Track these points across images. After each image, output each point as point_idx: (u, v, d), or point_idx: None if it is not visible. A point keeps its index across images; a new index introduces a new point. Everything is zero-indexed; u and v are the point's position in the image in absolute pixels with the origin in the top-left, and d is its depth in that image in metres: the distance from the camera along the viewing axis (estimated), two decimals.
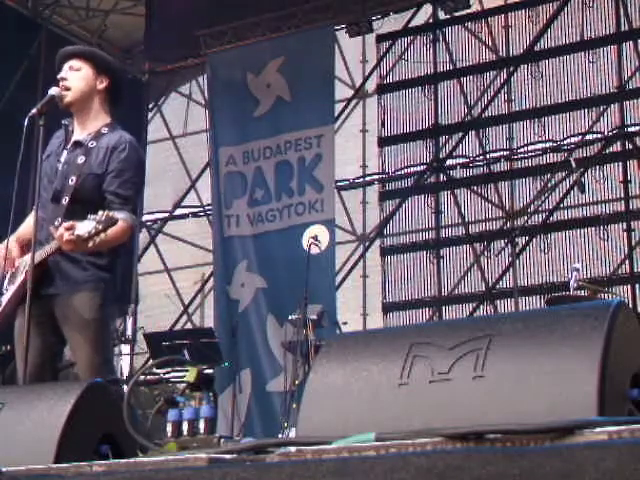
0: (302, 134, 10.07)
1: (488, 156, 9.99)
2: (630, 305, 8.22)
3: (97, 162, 4.00)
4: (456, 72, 10.19)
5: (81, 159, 4.01)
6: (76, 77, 4.05)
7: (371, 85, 11.26)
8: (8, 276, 4.05)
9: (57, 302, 3.95)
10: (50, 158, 4.08)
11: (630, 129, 9.26)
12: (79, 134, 4.10)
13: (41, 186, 4.00)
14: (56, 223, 3.85)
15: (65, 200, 3.93)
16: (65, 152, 4.07)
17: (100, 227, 3.63)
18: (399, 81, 10.39)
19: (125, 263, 4.81)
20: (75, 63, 4.08)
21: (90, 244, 3.69)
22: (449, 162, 10.17)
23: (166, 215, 12.25)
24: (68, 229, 3.66)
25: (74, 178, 3.96)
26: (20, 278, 3.93)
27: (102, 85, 4.10)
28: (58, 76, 4.05)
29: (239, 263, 10.14)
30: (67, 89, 4.02)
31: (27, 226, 4.14)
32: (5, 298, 3.98)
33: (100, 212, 3.66)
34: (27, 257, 3.92)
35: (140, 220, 10.89)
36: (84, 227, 3.65)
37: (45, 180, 4.03)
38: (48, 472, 2.17)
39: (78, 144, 4.07)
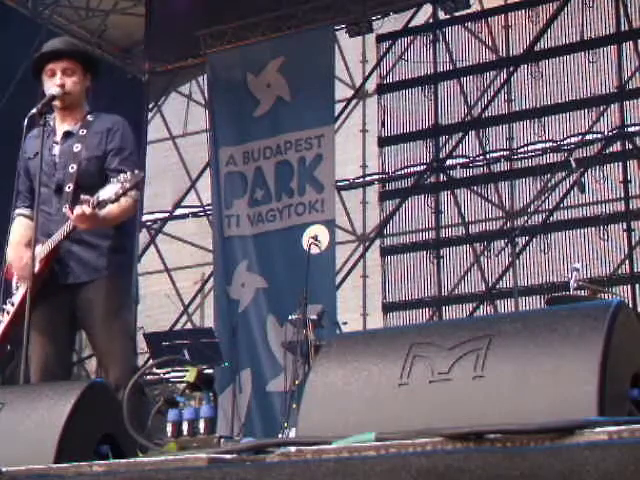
0: (302, 134, 10.07)
1: (488, 156, 9.98)
2: (630, 305, 8.22)
3: (94, 146, 4.07)
4: (456, 72, 10.19)
5: (77, 147, 4.07)
6: (72, 82, 4.12)
7: (371, 85, 11.26)
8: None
9: (80, 290, 3.98)
10: (38, 156, 4.09)
11: (630, 129, 9.26)
12: (66, 125, 4.15)
13: (36, 184, 4.03)
14: (63, 210, 3.89)
15: (69, 188, 3.99)
16: (56, 145, 4.11)
17: (128, 185, 3.71)
18: (399, 81, 10.38)
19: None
20: (68, 65, 4.12)
21: (105, 213, 3.76)
22: (449, 162, 10.16)
23: (166, 215, 12.25)
24: (85, 204, 3.71)
25: (74, 166, 4.02)
26: (35, 270, 3.94)
27: (88, 83, 4.22)
28: (56, 83, 4.07)
29: (239, 263, 10.14)
30: (66, 94, 4.08)
31: (23, 227, 4.13)
32: (21, 292, 3.98)
33: (122, 175, 3.73)
34: (38, 249, 3.94)
35: (140, 220, 10.89)
36: (108, 191, 3.73)
37: (43, 177, 4.05)
38: (48, 472, 2.17)
39: (69, 134, 4.12)
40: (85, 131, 4.10)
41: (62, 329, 4.02)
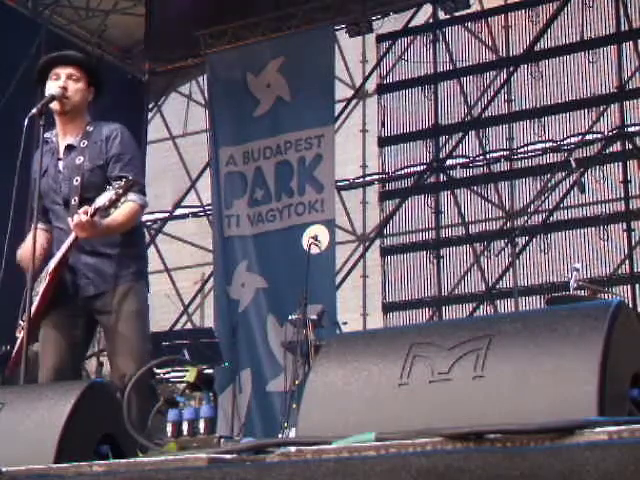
0: (302, 134, 10.07)
1: (488, 156, 9.98)
2: (630, 305, 8.22)
3: (95, 155, 4.06)
4: (456, 72, 10.19)
5: (79, 159, 4.06)
6: (75, 89, 4.10)
7: (371, 85, 11.26)
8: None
9: (97, 300, 3.99)
10: (47, 173, 4.10)
11: (630, 129, 9.26)
12: (68, 139, 4.15)
13: (49, 201, 4.08)
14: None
15: (75, 200, 3.98)
16: (60, 161, 4.11)
17: (121, 191, 3.73)
18: (399, 81, 10.38)
19: None
20: (74, 72, 4.11)
21: (108, 221, 3.78)
22: (449, 162, 10.17)
23: (166, 215, 12.26)
24: (83, 213, 3.73)
25: (78, 178, 4.02)
26: (44, 284, 3.96)
27: (91, 96, 4.20)
28: (58, 85, 4.07)
29: (239, 263, 10.14)
30: (66, 98, 4.07)
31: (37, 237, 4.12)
32: (34, 307, 3.97)
33: (117, 182, 3.79)
34: (49, 263, 3.97)
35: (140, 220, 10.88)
36: (102, 198, 3.76)
37: (52, 194, 4.08)
38: (48, 472, 2.17)
39: (71, 148, 4.12)
40: (86, 142, 4.08)
41: (79, 335, 4.03)
